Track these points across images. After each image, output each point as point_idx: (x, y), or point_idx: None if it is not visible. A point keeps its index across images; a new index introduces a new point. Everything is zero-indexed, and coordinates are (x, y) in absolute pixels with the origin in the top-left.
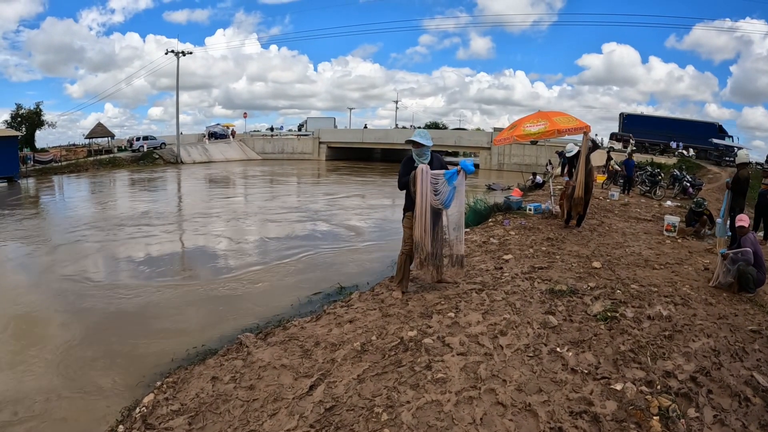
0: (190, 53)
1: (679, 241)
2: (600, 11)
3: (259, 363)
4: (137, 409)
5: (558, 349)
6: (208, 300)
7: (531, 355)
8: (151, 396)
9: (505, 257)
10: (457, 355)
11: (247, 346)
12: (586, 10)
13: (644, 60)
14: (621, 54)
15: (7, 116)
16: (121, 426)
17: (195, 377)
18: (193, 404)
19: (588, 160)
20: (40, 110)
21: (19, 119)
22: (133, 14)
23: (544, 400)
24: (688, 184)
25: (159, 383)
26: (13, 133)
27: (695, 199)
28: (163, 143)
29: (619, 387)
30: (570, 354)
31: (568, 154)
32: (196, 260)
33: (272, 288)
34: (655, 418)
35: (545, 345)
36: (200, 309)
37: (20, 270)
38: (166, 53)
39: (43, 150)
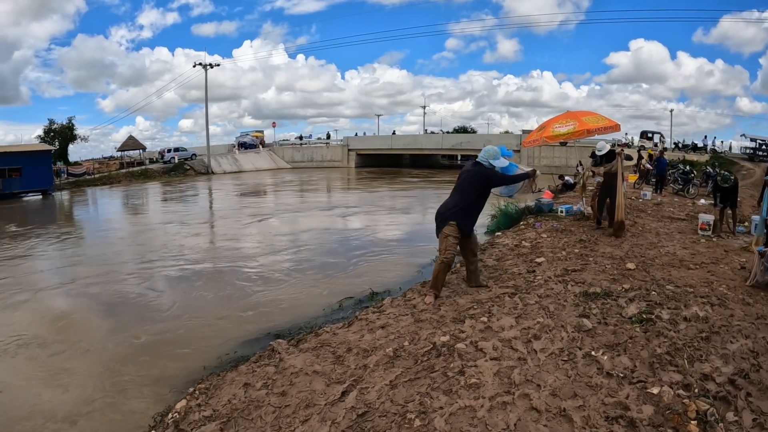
0: (218, 65)
1: (714, 239)
2: (626, 7)
3: (291, 369)
4: (170, 415)
5: (593, 353)
6: (240, 306)
7: (565, 359)
8: (184, 402)
9: (538, 260)
10: (491, 360)
11: (279, 353)
12: (612, 7)
13: (672, 56)
14: (649, 50)
15: (40, 131)
16: (153, 431)
17: (227, 383)
18: (225, 410)
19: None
20: (73, 125)
21: (52, 134)
22: (162, 29)
23: (579, 405)
24: None
25: (191, 389)
26: (46, 147)
27: (722, 173)
28: (194, 154)
29: (655, 391)
30: (605, 358)
31: (598, 153)
32: (227, 268)
33: (303, 294)
34: (692, 422)
35: (580, 349)
36: (232, 316)
37: (58, 275)
38: (195, 66)
39: (76, 163)
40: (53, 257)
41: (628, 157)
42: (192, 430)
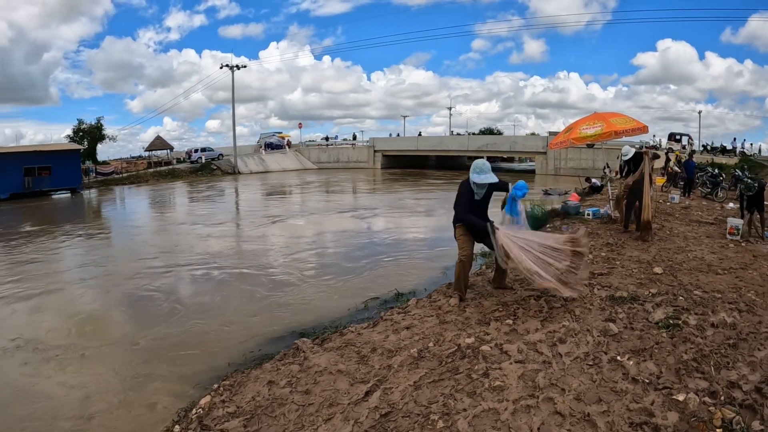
0: (245, 67)
1: (743, 244)
2: (653, 7)
3: (315, 368)
4: (193, 411)
5: (618, 358)
6: (264, 305)
7: (591, 363)
8: (208, 398)
9: None
10: (515, 362)
11: (303, 351)
12: (639, 7)
13: (701, 56)
14: (677, 51)
15: (69, 131)
16: (177, 426)
17: (251, 381)
18: (249, 407)
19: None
20: (101, 125)
21: (81, 134)
22: (189, 31)
23: (604, 410)
24: None
25: (215, 386)
26: (75, 146)
27: (745, 181)
28: (221, 154)
29: (681, 398)
30: (631, 363)
31: (624, 157)
32: (252, 268)
33: (328, 294)
34: (718, 430)
35: (605, 353)
36: (256, 314)
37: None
38: (222, 67)
39: (104, 162)
40: (80, 255)
41: (655, 156)
42: (215, 425)
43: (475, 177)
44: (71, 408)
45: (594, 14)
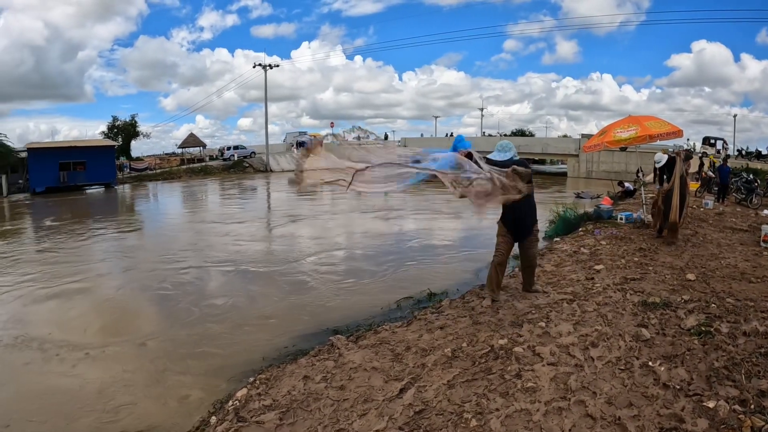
0: (277, 66)
1: None
2: (687, 8)
3: (350, 364)
4: (230, 402)
5: (650, 363)
6: (298, 302)
7: (622, 368)
8: (244, 390)
9: (597, 267)
10: (548, 365)
11: (338, 348)
12: (674, 7)
13: (736, 58)
14: (711, 52)
15: (104, 127)
16: (213, 417)
17: (287, 375)
18: (284, 400)
19: (683, 179)
20: (136, 122)
21: (115, 130)
22: (221, 31)
23: (634, 415)
24: None
25: (252, 379)
26: (110, 143)
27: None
28: (253, 152)
29: (711, 405)
30: (662, 369)
31: (657, 165)
32: (284, 265)
33: (361, 293)
34: None
35: (637, 358)
36: (290, 311)
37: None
38: (254, 67)
39: (138, 158)
40: (110, 249)
41: (688, 156)
42: (252, 417)
43: (491, 155)
44: (102, 400)
45: (627, 15)
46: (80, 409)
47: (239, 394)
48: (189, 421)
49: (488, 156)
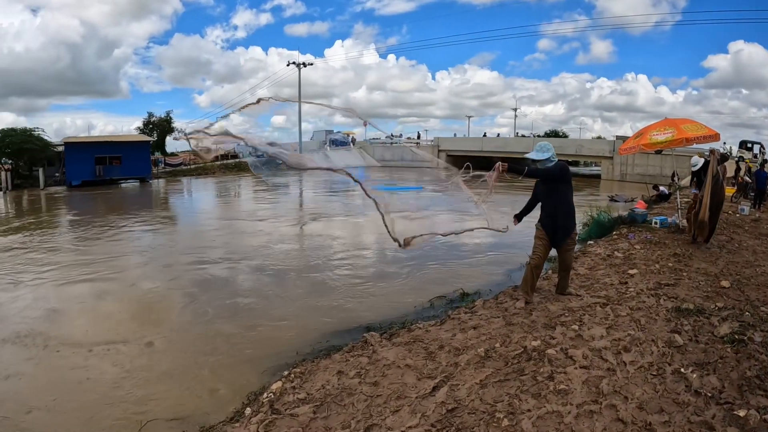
0: (311, 64)
1: None
2: (725, 7)
3: (383, 361)
4: (265, 395)
5: (682, 370)
6: (331, 298)
7: (654, 373)
8: (279, 383)
9: (630, 272)
10: (580, 368)
11: (372, 345)
12: (710, 7)
13: None
14: (749, 53)
15: (139, 123)
16: (248, 408)
17: (321, 370)
18: (318, 395)
19: (715, 177)
20: (170, 118)
21: (150, 126)
22: (255, 29)
23: (665, 421)
24: None
25: (286, 372)
26: (146, 138)
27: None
28: None
29: (742, 413)
30: (694, 375)
31: (693, 168)
32: (317, 262)
33: (393, 291)
34: None
35: (669, 364)
36: (323, 307)
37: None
38: (288, 65)
39: (173, 154)
40: (143, 242)
41: (724, 157)
42: (286, 410)
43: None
44: (130, 391)
45: (663, 14)
46: (106, 399)
47: (274, 386)
48: (222, 412)
49: (526, 155)
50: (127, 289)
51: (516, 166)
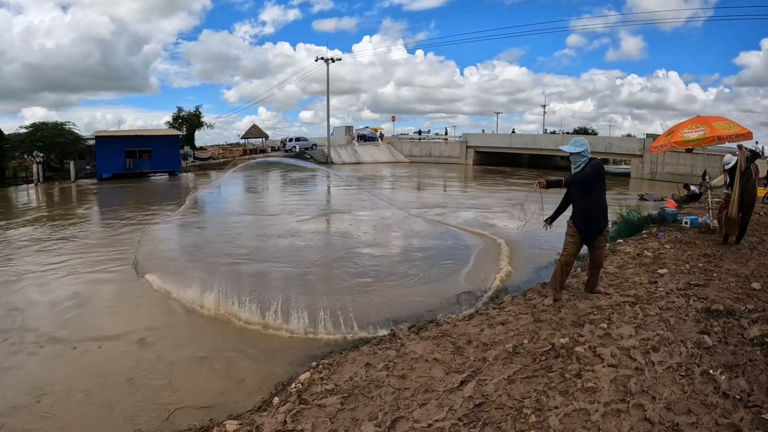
0: (339, 60)
1: None
2: (757, 3)
3: (411, 355)
4: (293, 385)
5: (710, 371)
6: (359, 292)
7: (683, 374)
8: (307, 374)
9: (660, 271)
10: (608, 366)
11: (400, 338)
12: (743, 2)
13: None
14: None
15: (168, 118)
16: (276, 398)
17: (349, 362)
18: (346, 386)
19: (746, 175)
20: (200, 113)
21: (180, 120)
22: (283, 25)
23: (693, 422)
24: None
25: (315, 363)
26: (175, 132)
27: None
28: (315, 144)
29: None
30: (723, 377)
31: (726, 166)
32: (344, 256)
33: (421, 286)
34: None
35: (698, 366)
36: (353, 300)
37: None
38: (316, 60)
39: (202, 148)
40: (175, 234)
41: (754, 155)
42: (313, 400)
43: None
44: (158, 379)
45: (694, 9)
46: (133, 389)
47: (302, 377)
48: (250, 401)
49: (561, 147)
50: (156, 282)
51: (554, 180)
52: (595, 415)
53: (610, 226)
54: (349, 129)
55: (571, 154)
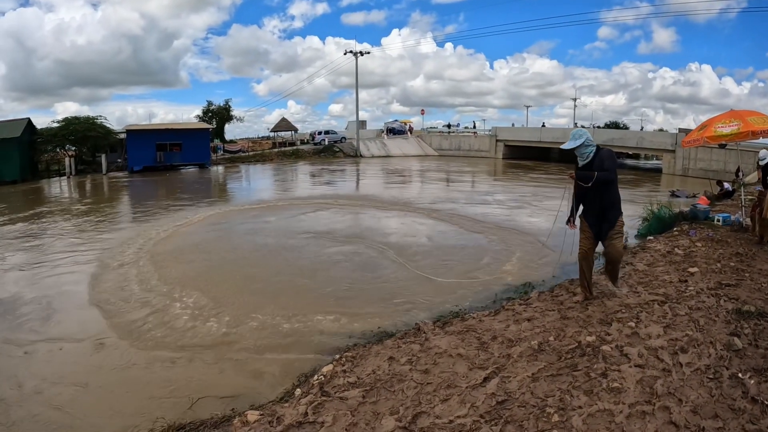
0: (368, 53)
1: None
2: None
3: (435, 349)
4: (315, 377)
5: (740, 375)
6: (384, 286)
7: (711, 377)
8: (330, 366)
9: (691, 270)
10: (635, 366)
11: (424, 333)
12: None
13: None
14: None
15: (198, 111)
16: (298, 389)
17: (372, 355)
18: (368, 379)
19: None
20: (229, 106)
21: (210, 114)
22: (312, 19)
23: (719, 427)
24: None
25: (338, 356)
26: (205, 126)
27: None
28: (344, 138)
29: None
30: (752, 382)
31: (760, 162)
32: (372, 249)
33: (446, 280)
34: None
35: (727, 368)
36: (375, 292)
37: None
38: (345, 54)
39: (231, 141)
40: (206, 225)
41: None
42: (335, 393)
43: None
44: (180, 371)
45: (728, 1)
46: (159, 378)
47: (325, 369)
48: (272, 392)
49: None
50: (177, 278)
51: (584, 175)
52: (619, 417)
53: (639, 222)
54: (362, 123)
55: (575, 148)
